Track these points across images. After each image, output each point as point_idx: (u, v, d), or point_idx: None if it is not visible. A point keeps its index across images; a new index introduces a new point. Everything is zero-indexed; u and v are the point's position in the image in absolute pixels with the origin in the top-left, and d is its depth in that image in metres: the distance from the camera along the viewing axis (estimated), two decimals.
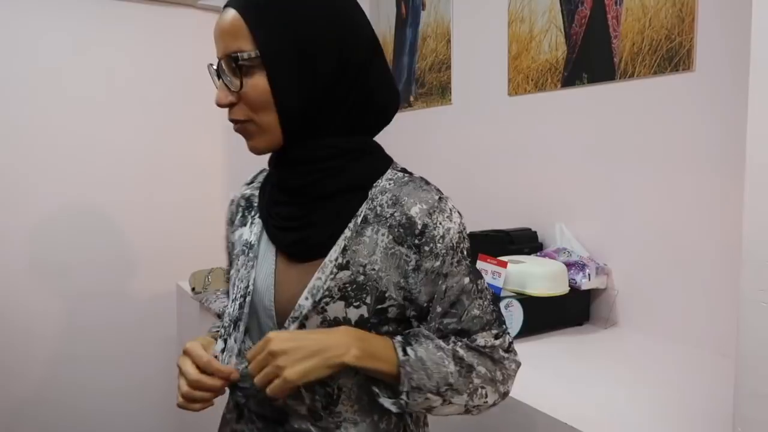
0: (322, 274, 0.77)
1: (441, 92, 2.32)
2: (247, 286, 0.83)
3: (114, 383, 2.53)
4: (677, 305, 1.52)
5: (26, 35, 2.29)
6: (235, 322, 0.83)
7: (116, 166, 2.49)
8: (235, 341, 0.83)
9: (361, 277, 0.77)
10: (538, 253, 1.77)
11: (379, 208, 0.79)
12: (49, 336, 2.42)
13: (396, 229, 0.77)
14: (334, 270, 0.77)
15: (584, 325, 1.68)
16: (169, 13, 2.55)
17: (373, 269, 0.77)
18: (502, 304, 1.49)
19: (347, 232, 0.78)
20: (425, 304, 0.78)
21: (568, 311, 1.65)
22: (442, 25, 2.29)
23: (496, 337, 0.81)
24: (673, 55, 1.48)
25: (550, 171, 1.86)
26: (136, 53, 2.51)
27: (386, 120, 0.84)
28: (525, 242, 1.81)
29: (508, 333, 0.84)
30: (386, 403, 0.75)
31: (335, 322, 0.77)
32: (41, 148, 2.34)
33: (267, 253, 0.83)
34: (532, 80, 1.90)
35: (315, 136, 0.78)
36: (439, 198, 0.79)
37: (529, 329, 1.54)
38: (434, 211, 0.77)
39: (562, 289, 1.58)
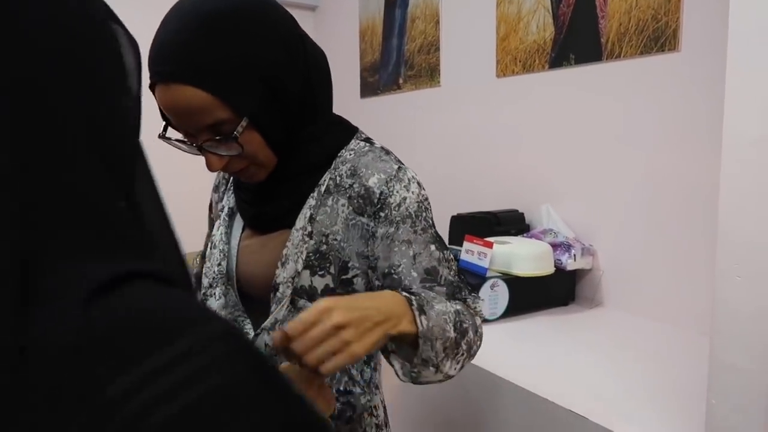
0: (291, 243, 0.80)
1: (430, 74, 2.31)
2: (222, 250, 0.87)
3: None
4: (661, 285, 1.54)
5: None
6: (216, 283, 0.86)
7: None
8: (223, 296, 0.86)
9: (324, 247, 0.79)
10: (525, 234, 1.78)
11: (338, 178, 0.80)
12: None
13: (356, 200, 0.78)
14: (305, 238, 0.79)
15: (569, 305, 1.69)
16: None
17: (335, 239, 0.79)
18: (487, 284, 1.50)
19: (311, 201, 0.80)
20: (387, 270, 0.78)
21: (554, 291, 1.66)
22: (431, 6, 2.27)
23: (474, 301, 0.82)
24: (659, 36, 1.48)
25: (538, 152, 1.87)
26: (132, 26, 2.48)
27: (331, 82, 0.84)
28: (512, 223, 1.82)
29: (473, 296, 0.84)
30: (401, 374, 0.73)
31: (302, 291, 0.79)
32: None
33: (237, 224, 0.88)
34: (520, 61, 1.89)
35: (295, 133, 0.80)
36: (398, 168, 0.80)
37: (514, 309, 1.55)
38: (391, 180, 0.78)
39: (548, 269, 1.59)
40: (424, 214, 0.80)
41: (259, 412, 0.27)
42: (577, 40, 1.70)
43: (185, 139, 0.75)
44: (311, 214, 0.79)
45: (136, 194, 0.32)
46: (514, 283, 1.55)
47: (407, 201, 0.78)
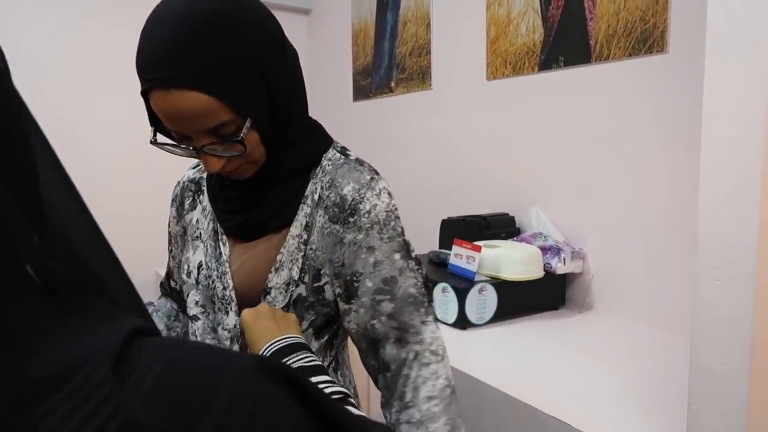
0: (286, 249, 0.79)
1: (421, 77, 2.30)
2: (209, 268, 0.84)
3: None
4: (653, 289, 1.52)
5: (6, 21, 2.25)
6: (229, 307, 0.83)
7: (97, 153, 2.47)
8: (213, 320, 0.84)
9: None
10: (515, 238, 1.77)
11: (320, 191, 0.80)
12: None
13: (331, 210, 0.78)
14: (301, 246, 0.79)
15: (560, 309, 1.68)
16: None
17: (311, 248, 0.79)
18: (475, 288, 1.49)
19: (306, 209, 0.79)
20: (349, 278, 0.77)
21: (544, 295, 1.65)
22: (422, 8, 2.26)
23: (427, 327, 0.78)
24: (647, 37, 1.47)
25: (528, 155, 1.86)
26: (118, 35, 2.48)
27: (305, 84, 0.83)
28: (502, 227, 1.81)
29: (433, 312, 0.81)
30: None
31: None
32: None
33: (221, 244, 0.84)
34: (509, 64, 1.88)
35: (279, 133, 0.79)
36: (371, 178, 0.80)
37: (503, 313, 1.54)
38: (363, 188, 0.78)
39: (537, 273, 1.58)
40: (392, 222, 0.79)
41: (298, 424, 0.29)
42: (566, 42, 1.69)
43: (177, 143, 0.72)
44: (307, 222, 0.79)
45: (44, 212, 0.29)
46: (502, 287, 1.53)
47: (377, 209, 0.78)
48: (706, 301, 0.76)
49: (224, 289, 0.81)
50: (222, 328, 0.82)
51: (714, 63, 0.75)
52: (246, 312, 0.73)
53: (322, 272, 0.79)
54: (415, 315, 0.77)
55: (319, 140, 0.84)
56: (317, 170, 0.81)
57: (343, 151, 0.85)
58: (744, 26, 0.71)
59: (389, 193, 0.81)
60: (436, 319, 0.81)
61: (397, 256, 0.78)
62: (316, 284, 0.79)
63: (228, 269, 0.82)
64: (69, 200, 0.31)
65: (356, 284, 0.77)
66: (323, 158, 0.82)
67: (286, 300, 0.78)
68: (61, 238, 0.28)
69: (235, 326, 0.81)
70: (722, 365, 0.75)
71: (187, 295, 0.88)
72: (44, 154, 0.30)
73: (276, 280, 0.78)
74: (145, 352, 0.27)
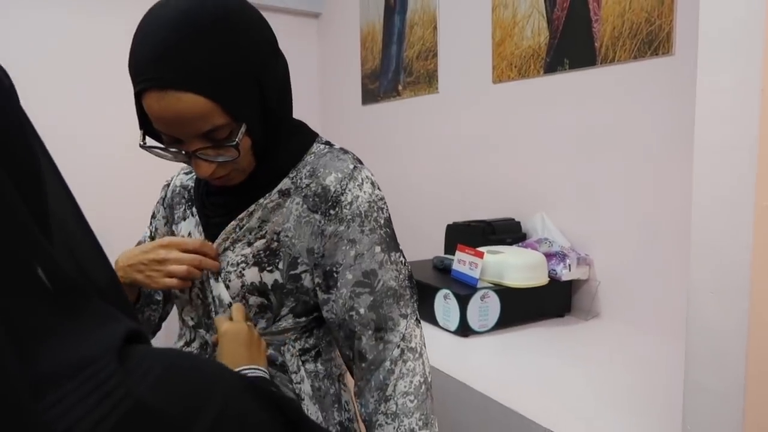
0: (224, 231, 0.79)
1: (428, 81, 2.29)
2: (204, 284, 0.82)
3: None
4: (660, 296, 1.49)
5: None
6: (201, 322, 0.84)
7: (91, 152, 2.47)
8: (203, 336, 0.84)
9: (275, 244, 0.78)
10: (520, 244, 1.74)
11: (299, 180, 0.79)
12: None
13: (311, 199, 0.78)
14: (237, 230, 0.79)
15: (565, 316, 1.64)
16: None
17: (286, 236, 0.78)
18: (477, 295, 1.47)
19: (262, 201, 0.79)
20: (328, 268, 0.77)
21: (549, 302, 1.62)
22: (429, 11, 2.25)
23: (406, 322, 0.78)
24: (652, 39, 1.44)
25: (534, 159, 1.83)
26: (114, 39, 2.50)
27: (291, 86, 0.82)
28: (507, 232, 1.78)
29: (416, 311, 0.81)
30: None
31: (252, 287, 0.78)
32: None
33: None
34: (515, 67, 1.86)
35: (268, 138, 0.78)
36: (354, 167, 0.79)
37: (506, 321, 1.52)
38: (346, 178, 0.78)
39: (541, 280, 1.55)
40: (374, 214, 0.78)
41: None
42: (571, 45, 1.66)
43: (166, 147, 0.72)
44: (253, 209, 0.78)
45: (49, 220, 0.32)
46: (505, 294, 1.51)
47: (359, 200, 0.77)
48: (700, 314, 0.74)
49: (220, 305, 0.80)
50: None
51: (706, 68, 0.72)
52: (226, 328, 0.73)
53: (299, 261, 0.78)
54: (394, 308, 0.78)
55: (303, 139, 0.83)
56: (299, 165, 0.80)
57: (328, 143, 0.85)
58: (736, 31, 0.68)
59: (372, 183, 0.80)
60: (418, 316, 0.81)
61: (378, 248, 0.78)
62: (292, 272, 0.78)
63: (221, 288, 0.80)
64: (67, 208, 0.34)
65: (336, 275, 0.77)
66: (306, 153, 0.82)
67: (239, 283, 0.78)
68: (63, 244, 0.31)
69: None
70: (716, 383, 0.72)
71: (181, 310, 0.87)
72: (47, 166, 0.33)
73: (223, 263, 0.79)
74: (145, 354, 0.29)
